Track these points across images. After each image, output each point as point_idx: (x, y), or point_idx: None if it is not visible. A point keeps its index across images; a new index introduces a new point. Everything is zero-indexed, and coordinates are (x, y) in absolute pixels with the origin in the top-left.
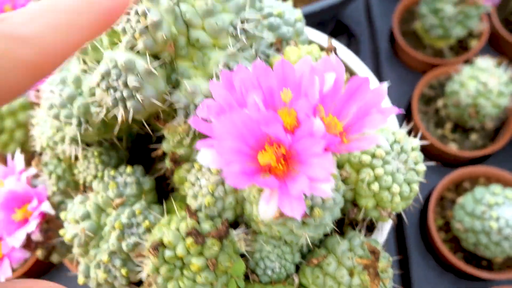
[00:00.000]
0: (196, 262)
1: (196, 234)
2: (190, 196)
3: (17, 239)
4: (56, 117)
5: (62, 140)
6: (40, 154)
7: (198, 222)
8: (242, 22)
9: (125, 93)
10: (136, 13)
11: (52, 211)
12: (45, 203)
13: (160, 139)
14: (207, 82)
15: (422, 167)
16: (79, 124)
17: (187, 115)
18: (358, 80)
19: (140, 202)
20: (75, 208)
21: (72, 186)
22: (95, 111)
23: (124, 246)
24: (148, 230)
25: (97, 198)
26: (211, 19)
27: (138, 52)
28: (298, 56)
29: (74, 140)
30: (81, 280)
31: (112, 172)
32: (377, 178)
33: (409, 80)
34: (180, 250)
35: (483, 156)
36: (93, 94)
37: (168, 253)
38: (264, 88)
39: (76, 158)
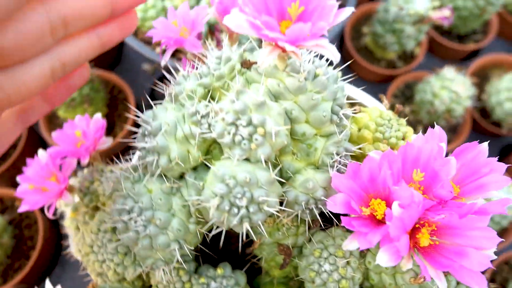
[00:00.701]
0: None
1: None
2: (318, 284)
3: None
4: (146, 248)
5: (134, 263)
6: None
7: None
8: (340, 107)
9: (252, 209)
10: (249, 123)
11: None
12: None
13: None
14: (317, 173)
15: None
16: (179, 246)
17: (303, 210)
18: (466, 146)
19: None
20: None
21: None
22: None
23: None
24: None
25: None
26: (315, 112)
27: (247, 159)
28: (370, 120)
29: (163, 263)
30: None
31: (202, 280)
32: None
33: (371, 92)
34: None
35: None
36: (201, 208)
37: None
38: (394, 171)
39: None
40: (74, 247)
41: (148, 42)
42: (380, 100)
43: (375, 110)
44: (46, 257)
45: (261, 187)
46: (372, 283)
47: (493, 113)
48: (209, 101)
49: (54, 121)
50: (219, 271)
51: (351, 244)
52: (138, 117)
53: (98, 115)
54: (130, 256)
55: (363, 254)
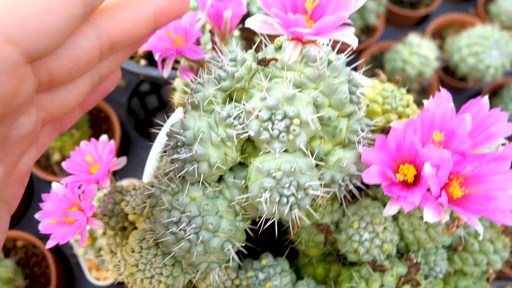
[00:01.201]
0: None
1: (408, 280)
2: (362, 253)
3: None
4: (201, 254)
5: (182, 271)
6: None
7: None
8: (356, 87)
9: (299, 195)
10: (284, 116)
11: None
12: None
13: None
14: (346, 151)
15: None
16: (232, 246)
17: (339, 187)
18: (471, 103)
19: (301, 284)
20: None
21: None
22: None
23: None
24: None
25: None
26: (337, 96)
27: (285, 151)
28: (376, 94)
29: (217, 267)
30: None
31: (250, 273)
32: None
33: None
34: None
35: None
36: (245, 205)
37: None
38: (419, 136)
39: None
40: (112, 271)
41: None
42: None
43: (376, 84)
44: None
45: (305, 173)
46: (407, 241)
47: (458, 69)
48: (236, 103)
49: None
50: (264, 261)
51: (391, 209)
52: (124, 132)
53: (104, 137)
54: (179, 266)
55: (395, 217)
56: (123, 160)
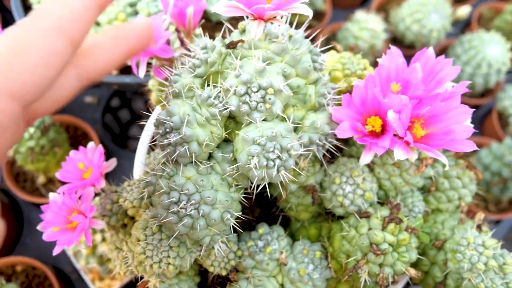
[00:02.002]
0: (405, 237)
1: (392, 219)
2: (347, 205)
3: None
4: (203, 227)
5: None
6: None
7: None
8: (317, 55)
9: (284, 157)
10: (259, 88)
11: None
12: None
13: None
14: (318, 114)
15: None
16: (230, 216)
17: (317, 148)
18: (418, 54)
19: (298, 244)
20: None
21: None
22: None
23: (317, 282)
24: (320, 258)
25: (261, 270)
26: (301, 65)
27: (265, 120)
28: (335, 62)
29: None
30: None
31: (250, 243)
32: None
33: None
34: (390, 238)
35: None
36: (236, 176)
37: (383, 246)
38: (374, 92)
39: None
40: (120, 267)
41: None
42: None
43: (333, 54)
44: None
45: (285, 136)
46: (385, 188)
47: (405, 38)
48: (213, 86)
49: (20, 177)
50: (260, 230)
51: (366, 157)
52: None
53: (92, 143)
54: (184, 247)
55: (371, 169)
56: (113, 162)
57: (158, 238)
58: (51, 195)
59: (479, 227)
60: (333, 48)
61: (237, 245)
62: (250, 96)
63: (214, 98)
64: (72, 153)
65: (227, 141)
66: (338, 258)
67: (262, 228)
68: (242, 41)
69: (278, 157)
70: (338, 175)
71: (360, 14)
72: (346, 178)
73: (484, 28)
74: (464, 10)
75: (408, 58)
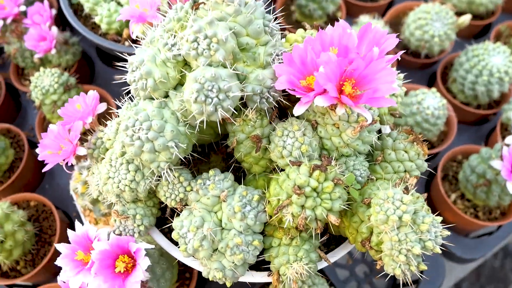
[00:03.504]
0: (329, 185)
1: (318, 166)
2: (285, 155)
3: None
4: (151, 151)
5: (143, 177)
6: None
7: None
8: (269, 21)
9: (221, 97)
10: (205, 37)
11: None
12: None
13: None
14: (264, 70)
15: None
16: (175, 146)
17: (260, 99)
18: (364, 28)
19: (240, 187)
20: (186, 222)
21: (154, 214)
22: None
23: (249, 221)
24: (258, 201)
25: (203, 203)
26: (252, 26)
27: (210, 65)
28: (297, 36)
29: (166, 167)
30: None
31: (199, 181)
32: None
33: None
34: (313, 183)
35: None
36: (184, 112)
37: (306, 189)
38: (315, 50)
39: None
40: (93, 189)
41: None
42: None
43: (300, 31)
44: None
45: (224, 79)
46: (326, 147)
47: (410, 44)
48: (174, 36)
49: None
50: (211, 173)
51: (300, 109)
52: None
53: (92, 92)
54: (140, 173)
55: (314, 127)
56: (103, 105)
57: (120, 162)
58: (51, 126)
59: (406, 189)
60: (302, 27)
61: (188, 181)
62: (198, 44)
63: (172, 45)
64: (75, 97)
65: (183, 85)
66: (272, 201)
67: (213, 171)
68: (203, 3)
69: (217, 96)
70: (281, 129)
71: (363, 17)
72: (288, 132)
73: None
74: (465, 18)
75: (412, 64)
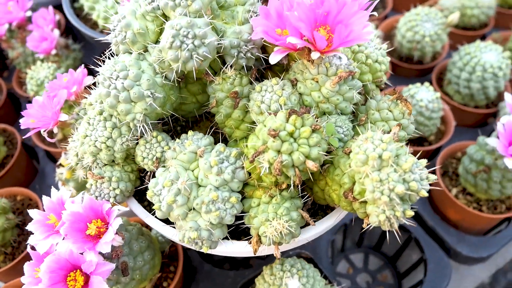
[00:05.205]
0: (306, 129)
1: (295, 112)
2: (263, 109)
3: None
4: (127, 100)
5: (120, 135)
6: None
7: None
8: None
9: (196, 43)
10: None
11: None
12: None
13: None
14: (242, 26)
15: None
16: (151, 95)
17: (238, 53)
18: None
19: (218, 144)
20: (161, 178)
21: (132, 181)
22: (170, 68)
23: (226, 176)
24: (236, 157)
25: (179, 159)
26: None
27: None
28: None
29: (141, 118)
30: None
31: (177, 141)
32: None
33: None
34: (289, 127)
35: None
36: (161, 64)
37: (282, 133)
38: (291, 3)
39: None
40: (72, 155)
41: None
42: None
43: None
44: None
45: (200, 27)
46: (306, 103)
47: (403, 48)
48: None
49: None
50: (190, 133)
51: (275, 57)
52: None
53: (81, 68)
54: (117, 130)
55: (293, 84)
56: (90, 78)
57: (98, 120)
58: (36, 97)
59: (384, 132)
60: None
61: (167, 142)
62: None
63: (152, 1)
64: (62, 75)
65: None
66: (248, 153)
67: (191, 132)
68: None
69: (192, 42)
70: (260, 85)
71: None
72: (266, 87)
73: None
74: (453, 16)
75: (409, 72)
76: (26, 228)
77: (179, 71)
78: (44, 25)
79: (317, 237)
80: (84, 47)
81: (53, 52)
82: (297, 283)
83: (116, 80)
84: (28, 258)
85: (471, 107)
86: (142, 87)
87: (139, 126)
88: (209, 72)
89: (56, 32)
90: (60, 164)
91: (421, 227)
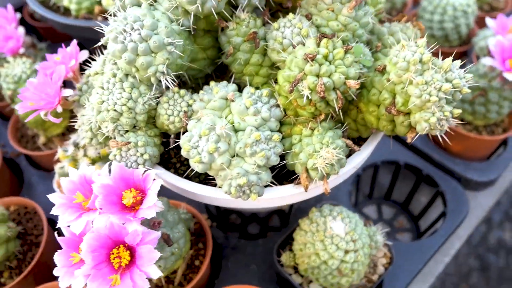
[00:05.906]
0: (339, 50)
1: (324, 35)
2: (286, 44)
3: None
4: (146, 51)
5: (140, 94)
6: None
7: None
8: None
9: None
10: None
11: None
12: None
13: None
14: None
15: None
16: (172, 43)
17: None
18: None
19: (246, 87)
20: (196, 129)
21: (157, 145)
22: (185, 14)
23: (264, 114)
24: (269, 96)
25: (210, 108)
26: None
27: None
28: None
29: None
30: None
31: (201, 92)
32: None
33: None
34: (323, 50)
35: None
36: (174, 11)
37: (318, 56)
38: None
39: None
40: (84, 131)
41: None
42: None
43: None
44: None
45: None
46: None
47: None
48: None
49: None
50: (211, 83)
51: None
52: None
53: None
54: (136, 90)
55: (309, 18)
56: (85, 54)
57: (113, 82)
58: (29, 79)
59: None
60: None
61: (190, 96)
62: None
63: None
64: (53, 55)
65: None
66: (283, 89)
67: (213, 82)
68: None
69: None
70: (277, 23)
71: None
72: (284, 23)
73: None
74: None
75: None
76: (29, 236)
77: (198, 13)
78: (6, 24)
79: (336, 188)
80: (50, 47)
81: (21, 50)
82: (342, 224)
83: (132, 31)
84: (37, 270)
85: (446, 48)
86: (161, 35)
87: (163, 80)
88: (222, 18)
89: (21, 29)
90: (58, 160)
91: (431, 164)
